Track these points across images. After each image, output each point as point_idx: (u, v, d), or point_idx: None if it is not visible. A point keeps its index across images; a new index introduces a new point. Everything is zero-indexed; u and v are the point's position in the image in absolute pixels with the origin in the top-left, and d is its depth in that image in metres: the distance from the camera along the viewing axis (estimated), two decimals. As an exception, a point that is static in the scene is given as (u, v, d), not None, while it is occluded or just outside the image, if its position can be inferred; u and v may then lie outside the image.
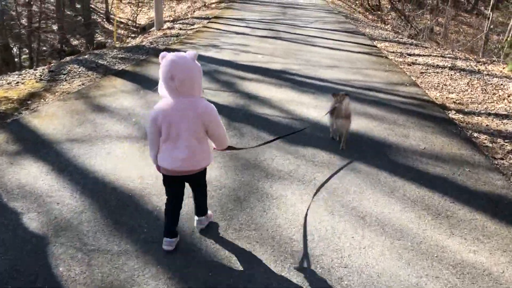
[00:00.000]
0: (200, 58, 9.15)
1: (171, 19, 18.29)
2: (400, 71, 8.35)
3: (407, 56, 9.77)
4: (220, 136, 2.77)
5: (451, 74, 8.24)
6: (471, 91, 7.28)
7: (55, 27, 18.80)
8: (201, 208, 3.12)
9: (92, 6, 22.46)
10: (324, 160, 4.41)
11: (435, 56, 9.86)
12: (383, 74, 8.01)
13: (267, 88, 6.68)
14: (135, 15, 21.35)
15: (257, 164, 4.23)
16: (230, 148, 3.03)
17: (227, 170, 4.08)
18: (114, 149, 4.41)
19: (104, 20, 21.13)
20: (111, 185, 3.72)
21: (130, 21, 21.45)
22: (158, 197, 3.52)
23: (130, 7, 22.84)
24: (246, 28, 11.99)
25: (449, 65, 8.91)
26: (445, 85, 7.59)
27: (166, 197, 2.94)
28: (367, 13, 20.66)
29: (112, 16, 20.99)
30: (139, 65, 7.72)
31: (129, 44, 10.51)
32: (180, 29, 12.46)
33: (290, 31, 11.86)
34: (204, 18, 13.91)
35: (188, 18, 14.38)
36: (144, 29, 17.35)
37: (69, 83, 6.62)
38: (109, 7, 21.22)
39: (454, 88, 7.40)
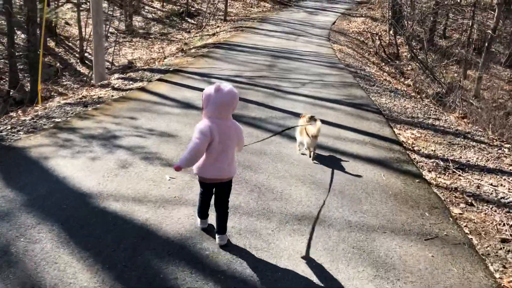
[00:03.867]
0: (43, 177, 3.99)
1: (141, 65, 13.88)
2: (459, 237, 3.47)
3: (458, 172, 4.89)
4: (241, 145, 3.04)
5: None
6: None
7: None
8: (222, 227, 3.10)
9: (70, 44, 18.27)
10: None
11: (509, 173, 4.95)
12: (425, 256, 3.15)
13: None
14: (113, 55, 17.08)
15: None
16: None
17: None
18: None
19: (78, 61, 16.83)
20: None
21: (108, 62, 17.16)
22: None
23: (115, 44, 18.59)
24: (202, 93, 7.29)
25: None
26: None
27: (201, 192, 3.10)
28: (383, 64, 15.88)
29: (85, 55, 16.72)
30: None
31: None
32: (114, 88, 7.92)
33: (267, 102, 7.14)
34: (163, 71, 9.35)
35: (140, 70, 9.82)
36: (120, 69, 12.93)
37: None
38: (84, 45, 16.96)
39: None
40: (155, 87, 7.68)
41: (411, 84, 14.98)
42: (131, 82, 8.36)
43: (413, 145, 5.77)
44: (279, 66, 10.44)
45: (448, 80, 16.82)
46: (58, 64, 16.19)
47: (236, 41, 13.69)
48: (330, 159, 4.91)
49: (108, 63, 17.11)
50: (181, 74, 8.84)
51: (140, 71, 9.55)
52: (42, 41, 9.35)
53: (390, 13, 19.83)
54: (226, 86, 2.83)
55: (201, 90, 7.51)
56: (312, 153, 4.86)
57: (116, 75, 9.80)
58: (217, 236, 3.11)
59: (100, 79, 9.13)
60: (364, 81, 9.68)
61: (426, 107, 8.27)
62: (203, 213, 3.20)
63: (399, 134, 6.18)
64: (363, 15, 24.11)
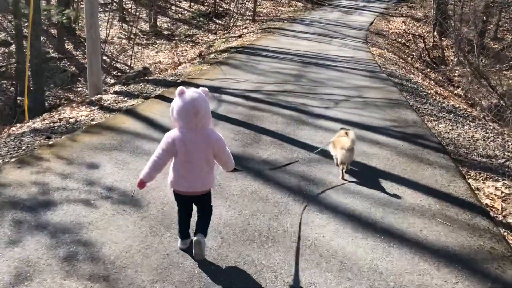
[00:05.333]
0: None
1: (157, 71, 12.18)
2: None
3: None
4: (227, 161, 2.70)
5: None
6: None
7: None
8: (201, 227, 2.75)
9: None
10: None
11: None
12: None
13: None
14: (130, 58, 15.52)
15: None
16: (235, 170, 2.97)
17: None
18: None
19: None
20: None
21: (125, 66, 15.65)
22: None
23: (133, 46, 17.05)
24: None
25: None
26: None
27: (178, 208, 2.80)
28: (428, 70, 13.52)
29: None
30: None
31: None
32: (102, 107, 6.22)
33: (289, 132, 5.18)
34: (168, 83, 7.61)
35: (143, 82, 8.07)
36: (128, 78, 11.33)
37: None
38: (106, 47, 15.46)
39: None
40: (148, 108, 5.87)
41: (462, 94, 12.60)
42: (125, 99, 6.63)
43: (505, 214, 3.67)
44: (308, 76, 8.43)
45: (504, 88, 14.23)
46: (74, 68, 14.79)
47: (262, 44, 11.75)
48: (380, 250, 2.91)
49: (126, 67, 15.59)
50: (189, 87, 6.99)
51: (142, 83, 7.79)
52: (29, 47, 7.74)
53: (434, 13, 17.27)
54: (192, 89, 2.45)
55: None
56: (343, 170, 4.04)
57: (117, 87, 8.10)
58: (195, 236, 2.70)
59: (95, 92, 7.43)
60: (413, 97, 7.52)
61: (501, 137, 6.05)
62: (182, 232, 2.85)
63: (478, 189, 4.08)
64: (403, 15, 21.55)
